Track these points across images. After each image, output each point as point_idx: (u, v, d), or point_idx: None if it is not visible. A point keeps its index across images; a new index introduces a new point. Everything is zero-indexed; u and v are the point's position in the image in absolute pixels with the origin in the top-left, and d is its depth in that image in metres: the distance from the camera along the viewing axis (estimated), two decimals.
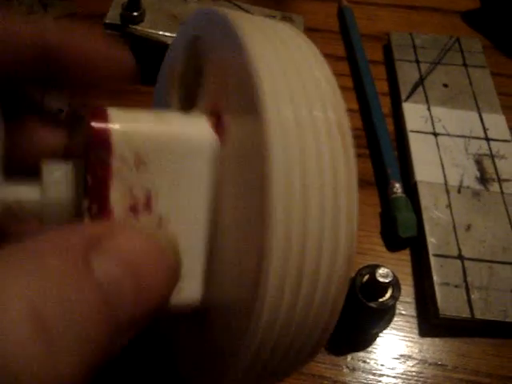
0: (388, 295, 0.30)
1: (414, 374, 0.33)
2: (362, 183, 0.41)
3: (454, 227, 0.37)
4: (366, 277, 0.30)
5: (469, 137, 0.42)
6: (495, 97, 0.45)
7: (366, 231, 0.38)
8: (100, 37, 0.18)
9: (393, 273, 0.29)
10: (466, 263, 0.35)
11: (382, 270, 0.29)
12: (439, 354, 0.33)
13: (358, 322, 0.31)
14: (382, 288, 0.29)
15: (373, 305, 0.30)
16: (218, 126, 0.18)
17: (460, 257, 0.35)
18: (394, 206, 0.37)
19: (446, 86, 0.46)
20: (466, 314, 0.33)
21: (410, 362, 0.33)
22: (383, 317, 0.31)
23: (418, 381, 0.32)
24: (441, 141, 0.41)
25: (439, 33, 0.51)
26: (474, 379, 0.32)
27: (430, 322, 0.34)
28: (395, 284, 0.30)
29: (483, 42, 0.50)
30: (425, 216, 0.37)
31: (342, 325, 0.34)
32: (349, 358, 0.33)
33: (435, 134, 0.42)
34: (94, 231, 0.13)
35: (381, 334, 0.34)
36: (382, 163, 0.40)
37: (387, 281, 0.29)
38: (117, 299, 0.12)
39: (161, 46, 0.41)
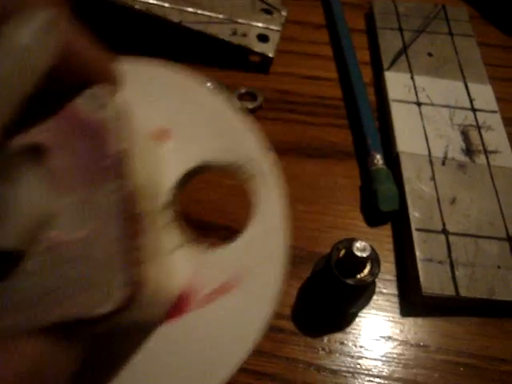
0: (366, 271, 0.28)
1: (394, 355, 0.30)
2: (341, 155, 0.38)
3: (438, 201, 0.34)
4: (343, 252, 0.28)
5: (454, 107, 0.40)
6: (482, 67, 0.43)
7: (345, 205, 0.36)
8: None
9: (371, 247, 0.27)
10: (451, 238, 0.33)
11: (359, 244, 0.26)
12: (421, 334, 0.31)
13: (335, 300, 0.29)
14: (360, 263, 0.27)
15: (350, 281, 0.27)
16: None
17: (444, 231, 0.33)
18: (375, 177, 0.35)
19: (430, 54, 0.43)
20: (450, 291, 0.30)
21: (391, 344, 0.31)
22: (361, 295, 0.29)
23: (399, 363, 0.30)
24: (424, 111, 0.39)
25: (424, 1, 0.48)
26: (458, 360, 0.30)
27: (412, 301, 0.32)
28: (374, 259, 0.28)
29: (470, 11, 0.48)
30: (407, 189, 0.35)
31: (317, 303, 0.32)
32: (325, 339, 0.31)
33: (419, 104, 0.39)
34: None
35: (360, 314, 0.32)
36: (362, 134, 0.38)
37: (365, 255, 0.26)
38: None
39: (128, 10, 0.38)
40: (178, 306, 0.19)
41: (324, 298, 0.30)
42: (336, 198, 0.36)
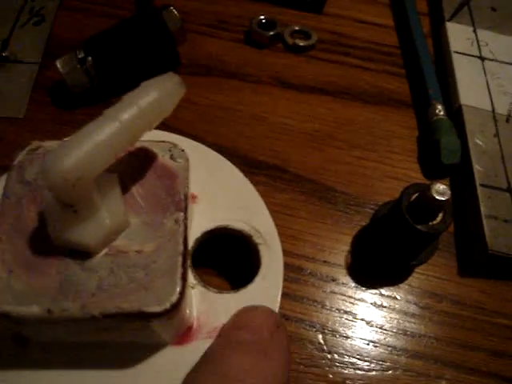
0: (439, 219, 0.25)
1: (449, 315, 0.28)
2: (398, 104, 0.36)
3: (503, 158, 0.32)
4: (415, 196, 0.26)
5: None
6: None
7: (401, 155, 0.33)
8: None
9: (450, 191, 0.24)
10: None
11: (438, 186, 0.24)
12: (479, 295, 0.29)
13: (399, 248, 0.27)
14: (435, 208, 0.25)
15: (422, 228, 0.25)
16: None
17: (509, 190, 0.31)
18: (437, 128, 0.32)
19: (494, 9, 0.40)
20: None
21: (446, 303, 0.29)
22: (428, 245, 0.27)
23: (455, 325, 0.28)
24: (488, 66, 0.36)
25: None
26: None
27: (472, 260, 0.30)
28: (448, 207, 0.25)
29: None
30: (470, 142, 0.32)
31: (376, 253, 0.29)
32: (377, 293, 0.28)
33: (482, 59, 0.37)
34: None
35: (415, 270, 0.29)
36: (423, 83, 0.35)
37: (444, 199, 0.24)
38: None
39: None
40: (184, 335, 0.21)
41: (386, 246, 0.27)
42: (392, 146, 0.33)
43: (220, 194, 0.26)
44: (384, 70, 0.37)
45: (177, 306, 0.18)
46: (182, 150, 0.22)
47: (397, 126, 0.34)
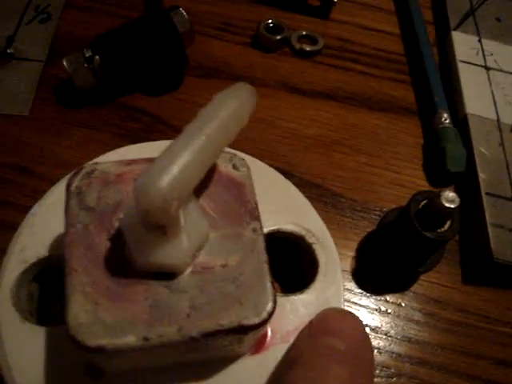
0: (447, 226, 0.25)
1: (453, 322, 0.28)
2: (403, 111, 0.36)
3: (508, 167, 0.32)
4: (423, 203, 0.26)
5: None
6: None
7: (407, 162, 0.33)
8: None
9: (459, 199, 0.24)
10: None
11: (447, 194, 0.24)
12: (483, 304, 0.29)
13: (406, 255, 0.27)
14: (443, 216, 0.25)
15: (430, 235, 0.25)
16: None
17: None
18: (443, 136, 0.33)
19: (498, 20, 0.41)
20: None
21: (450, 310, 0.29)
22: (436, 252, 0.27)
23: (458, 331, 0.28)
24: (493, 76, 0.37)
25: None
26: None
27: (476, 268, 0.30)
28: (456, 215, 0.25)
29: None
30: (476, 151, 0.32)
31: (382, 259, 0.29)
32: (382, 299, 0.28)
33: (487, 68, 0.37)
34: None
35: (420, 277, 0.29)
36: (429, 91, 0.35)
37: (453, 206, 0.24)
38: None
39: None
40: (260, 343, 0.21)
41: (393, 252, 0.27)
42: (398, 153, 0.33)
43: (264, 198, 0.24)
44: (390, 77, 0.37)
45: (272, 315, 0.18)
46: (242, 159, 0.22)
47: (402, 133, 0.34)
